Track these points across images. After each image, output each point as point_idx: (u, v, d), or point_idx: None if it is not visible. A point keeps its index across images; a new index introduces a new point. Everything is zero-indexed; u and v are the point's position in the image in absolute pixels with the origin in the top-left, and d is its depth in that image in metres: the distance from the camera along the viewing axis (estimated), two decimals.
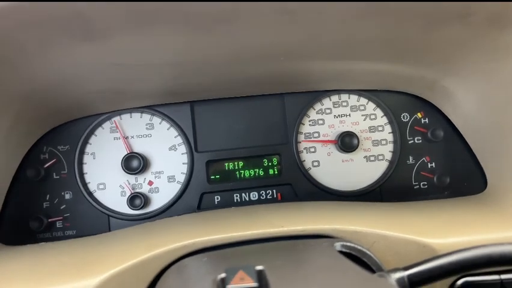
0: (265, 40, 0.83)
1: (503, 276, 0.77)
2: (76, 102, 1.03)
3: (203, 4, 0.68)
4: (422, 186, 1.18)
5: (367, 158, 1.17)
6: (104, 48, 0.78)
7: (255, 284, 0.52)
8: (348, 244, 0.73)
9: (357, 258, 0.73)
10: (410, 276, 0.61)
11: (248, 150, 1.15)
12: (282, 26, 0.78)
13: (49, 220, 1.09)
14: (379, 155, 1.18)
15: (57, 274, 0.72)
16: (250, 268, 0.55)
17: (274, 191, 1.16)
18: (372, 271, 0.71)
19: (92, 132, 1.12)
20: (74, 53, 0.79)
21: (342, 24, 0.79)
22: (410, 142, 1.18)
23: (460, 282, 0.77)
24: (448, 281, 0.77)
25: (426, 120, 1.19)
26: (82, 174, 1.11)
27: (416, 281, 0.61)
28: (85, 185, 1.11)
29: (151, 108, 1.13)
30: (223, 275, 0.55)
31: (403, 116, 1.19)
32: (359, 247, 0.73)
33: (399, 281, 0.61)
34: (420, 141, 1.18)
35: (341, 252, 0.72)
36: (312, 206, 0.97)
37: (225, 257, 0.70)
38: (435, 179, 1.17)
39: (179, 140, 1.14)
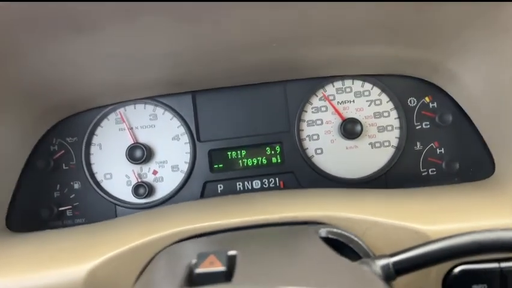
0: (253, 28, 0.82)
1: (503, 265, 0.73)
2: (80, 95, 1.06)
3: None
4: (430, 173, 1.14)
5: (372, 145, 1.15)
6: (96, 39, 0.80)
7: (222, 268, 0.52)
8: (335, 230, 0.72)
9: (346, 245, 0.72)
10: (395, 263, 0.60)
11: (251, 139, 1.15)
12: (267, 13, 0.77)
13: (59, 209, 1.13)
14: (385, 141, 1.15)
15: (55, 259, 0.75)
16: (222, 253, 0.55)
17: (276, 179, 1.15)
18: (360, 258, 0.70)
19: (98, 124, 1.15)
20: (68, 45, 0.81)
21: (329, 9, 0.78)
22: (417, 127, 1.14)
23: (456, 270, 0.74)
24: (444, 269, 0.74)
25: (435, 104, 1.14)
26: (89, 165, 1.14)
27: (402, 268, 0.60)
28: (92, 175, 1.14)
29: (154, 99, 1.15)
30: (194, 260, 0.55)
31: (410, 101, 1.15)
32: (347, 233, 0.72)
33: (384, 268, 0.60)
34: (429, 126, 1.14)
35: (326, 238, 0.72)
36: (309, 193, 0.97)
37: (211, 242, 0.71)
38: (444, 165, 1.13)
39: (182, 130, 1.15)
